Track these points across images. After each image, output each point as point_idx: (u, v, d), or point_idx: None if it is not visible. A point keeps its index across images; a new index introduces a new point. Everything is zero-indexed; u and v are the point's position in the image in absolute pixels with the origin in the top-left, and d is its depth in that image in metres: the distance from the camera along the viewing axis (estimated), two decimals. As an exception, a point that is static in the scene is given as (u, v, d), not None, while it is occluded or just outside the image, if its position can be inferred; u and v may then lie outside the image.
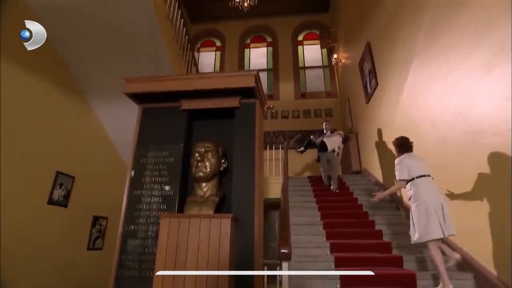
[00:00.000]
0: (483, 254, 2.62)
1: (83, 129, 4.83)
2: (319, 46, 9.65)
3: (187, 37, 5.16)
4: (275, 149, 7.04)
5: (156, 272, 2.26)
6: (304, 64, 9.70)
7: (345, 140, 5.87)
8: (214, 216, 2.38)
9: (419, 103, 3.76)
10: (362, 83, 6.05)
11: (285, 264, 2.22)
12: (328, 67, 9.44)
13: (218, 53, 10.21)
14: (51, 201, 4.17)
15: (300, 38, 10.04)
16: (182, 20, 4.93)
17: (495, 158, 2.44)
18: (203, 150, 2.67)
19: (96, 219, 5.08)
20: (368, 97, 5.70)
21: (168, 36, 4.43)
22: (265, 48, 10.12)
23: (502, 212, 2.39)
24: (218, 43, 10.36)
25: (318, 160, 5.67)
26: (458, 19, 2.91)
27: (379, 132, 5.20)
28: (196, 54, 9.15)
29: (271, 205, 5.56)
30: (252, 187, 2.64)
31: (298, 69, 9.54)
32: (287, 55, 9.73)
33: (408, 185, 2.91)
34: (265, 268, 3.02)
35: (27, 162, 3.84)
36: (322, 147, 5.36)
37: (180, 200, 2.71)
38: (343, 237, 3.66)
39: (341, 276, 2.77)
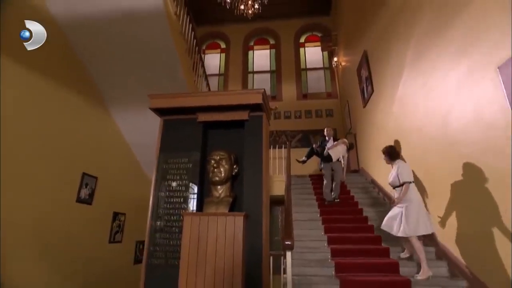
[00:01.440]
0: (457, 246, 3.09)
1: (104, 134, 5.30)
2: (320, 48, 10.02)
3: (197, 48, 5.59)
4: (278, 148, 7.44)
5: (181, 261, 2.74)
6: (306, 66, 10.09)
7: (349, 149, 5.70)
8: (229, 214, 2.85)
9: (408, 112, 4.18)
10: (360, 88, 6.46)
11: (288, 254, 2.67)
12: (329, 68, 9.82)
13: (223, 55, 10.60)
14: (78, 199, 4.65)
15: (302, 40, 10.40)
16: (193, 33, 5.36)
17: (468, 166, 2.88)
18: (218, 157, 3.13)
19: (115, 215, 5.58)
20: (365, 101, 6.12)
21: (181, 49, 4.85)
22: (268, 50, 10.50)
23: (472, 212, 2.85)
24: (223, 45, 10.74)
25: (321, 169, 5.54)
26: (440, 41, 3.32)
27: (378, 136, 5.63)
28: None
29: (274, 201, 6.01)
30: (260, 188, 3.10)
31: (300, 71, 9.93)
32: (290, 57, 10.11)
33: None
34: (271, 258, 3.48)
35: (58, 165, 4.31)
36: (326, 158, 5.28)
37: (198, 200, 3.18)
38: (339, 231, 4.13)
39: (336, 264, 3.26)
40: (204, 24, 10.48)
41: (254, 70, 10.33)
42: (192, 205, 3.12)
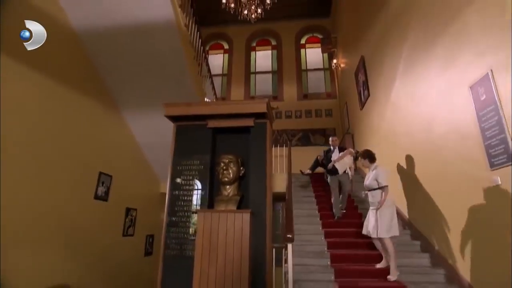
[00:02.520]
0: (438, 240, 3.49)
1: (117, 136, 5.68)
2: (320, 49, 10.33)
3: (204, 54, 5.95)
4: (279, 147, 7.80)
5: (196, 252, 3.14)
6: (306, 67, 10.41)
7: (356, 159, 5.06)
8: (237, 211, 3.24)
9: (400, 117, 4.53)
10: (357, 91, 6.80)
11: (289, 246, 3.06)
12: (329, 69, 10.14)
13: (226, 55, 10.91)
14: (96, 196, 5.05)
15: (303, 41, 10.70)
16: (200, 40, 5.71)
17: (446, 170, 3.26)
18: (227, 161, 3.51)
19: (128, 211, 5.99)
20: (362, 104, 6.46)
21: (189, 57, 5.20)
22: (270, 51, 10.80)
23: (448, 208, 3.23)
24: (226, 46, 11.03)
25: (326, 180, 5.26)
26: (425, 57, 3.67)
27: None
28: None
29: (276, 198, 6.39)
30: (264, 188, 3.50)
31: (300, 72, 10.25)
32: (291, 58, 10.41)
33: (380, 191, 3.49)
34: (273, 249, 3.88)
35: (78, 165, 4.69)
36: (332, 170, 4.97)
37: (209, 198, 3.57)
38: (335, 226, 4.53)
39: (331, 255, 3.66)
40: (208, 25, 10.75)
41: (256, 70, 10.64)
42: (204, 202, 3.51)
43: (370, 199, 3.63)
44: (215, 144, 3.86)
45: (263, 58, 10.74)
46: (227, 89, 10.35)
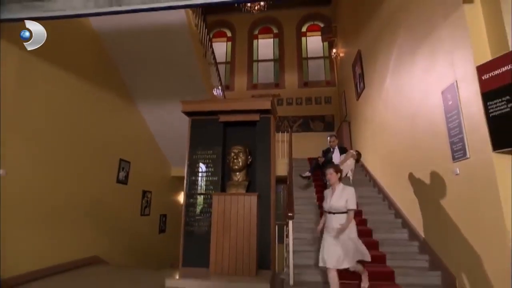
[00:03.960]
0: (413, 219, 4.12)
1: (134, 126, 6.23)
2: (320, 37, 10.63)
3: (211, 49, 6.39)
4: (281, 132, 8.30)
5: (212, 228, 3.76)
6: (307, 55, 10.76)
7: (357, 160, 4.99)
8: (246, 194, 3.85)
9: (390, 112, 5.03)
10: (354, 82, 7.25)
11: (290, 222, 3.67)
12: (328, 58, 10.49)
13: (229, 43, 11.22)
14: (118, 180, 5.67)
15: (304, 29, 10.98)
16: (208, 36, 6.14)
17: (422, 163, 3.83)
18: (237, 151, 4.10)
19: (144, 193, 6.63)
20: (358, 95, 6.94)
21: (199, 54, 5.65)
22: (272, 39, 11.11)
23: (424, 195, 3.83)
24: (229, 34, 11.32)
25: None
26: (411, 61, 4.13)
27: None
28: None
29: (277, 180, 6.97)
30: (268, 174, 4.11)
31: (301, 60, 10.61)
32: (292, 46, 10.74)
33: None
34: (276, 226, 4.50)
35: (103, 153, 5.27)
36: None
37: (221, 183, 4.17)
38: (330, 207, 5.17)
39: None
40: (211, 13, 10.99)
41: (259, 58, 10.98)
42: (217, 187, 4.12)
43: (334, 224, 2.96)
44: (225, 136, 4.43)
45: (265, 46, 11.06)
46: (230, 77, 10.74)
